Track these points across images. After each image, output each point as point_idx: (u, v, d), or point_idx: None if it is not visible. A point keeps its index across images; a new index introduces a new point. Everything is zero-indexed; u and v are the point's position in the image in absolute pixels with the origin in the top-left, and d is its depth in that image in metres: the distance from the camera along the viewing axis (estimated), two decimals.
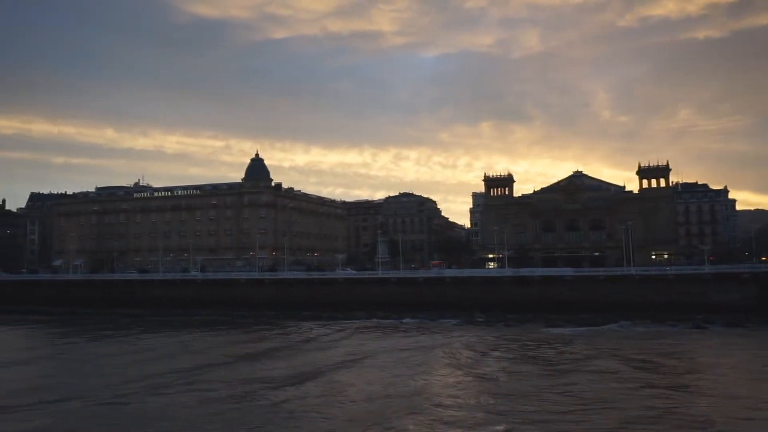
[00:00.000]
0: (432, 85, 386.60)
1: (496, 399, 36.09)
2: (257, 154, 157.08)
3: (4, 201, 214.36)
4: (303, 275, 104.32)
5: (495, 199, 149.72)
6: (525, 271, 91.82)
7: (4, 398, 37.15)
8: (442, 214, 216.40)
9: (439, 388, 40.27)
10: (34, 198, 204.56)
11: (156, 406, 35.13)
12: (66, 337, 72.39)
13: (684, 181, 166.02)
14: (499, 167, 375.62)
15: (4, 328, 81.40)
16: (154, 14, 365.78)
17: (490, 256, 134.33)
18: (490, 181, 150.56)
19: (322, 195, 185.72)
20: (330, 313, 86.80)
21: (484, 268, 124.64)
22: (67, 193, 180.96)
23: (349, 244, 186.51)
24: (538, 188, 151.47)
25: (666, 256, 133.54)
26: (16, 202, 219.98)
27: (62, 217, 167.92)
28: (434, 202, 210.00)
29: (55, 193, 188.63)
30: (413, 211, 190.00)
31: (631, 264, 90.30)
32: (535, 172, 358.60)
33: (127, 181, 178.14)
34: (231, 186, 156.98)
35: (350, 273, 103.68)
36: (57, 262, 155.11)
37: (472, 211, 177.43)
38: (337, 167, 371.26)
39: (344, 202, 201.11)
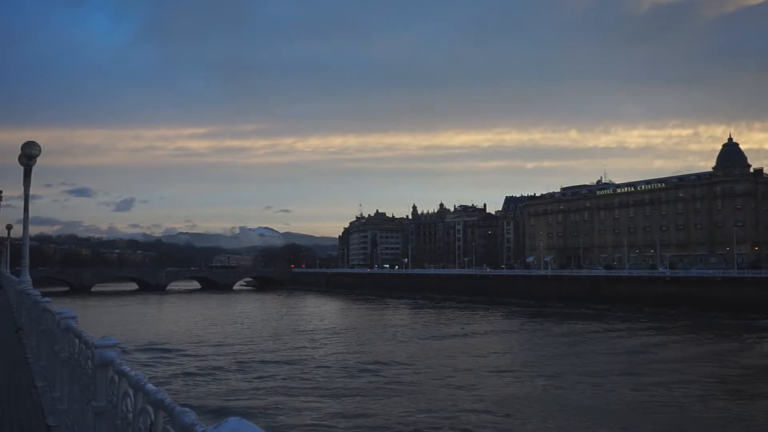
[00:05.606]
0: None
1: None
2: (730, 139, 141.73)
3: (485, 205, 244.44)
4: None
5: None
6: None
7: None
8: None
9: None
10: (509, 201, 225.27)
11: None
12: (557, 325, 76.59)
13: None
14: None
15: (493, 314, 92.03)
16: (610, 10, 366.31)
17: None
18: None
19: None
20: None
21: None
22: (536, 194, 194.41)
23: None
24: None
25: None
26: (494, 206, 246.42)
27: (532, 217, 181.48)
28: None
29: (526, 195, 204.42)
30: None
31: None
32: None
33: (590, 179, 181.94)
34: (700, 176, 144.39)
35: None
36: (529, 259, 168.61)
37: None
38: None
39: None
